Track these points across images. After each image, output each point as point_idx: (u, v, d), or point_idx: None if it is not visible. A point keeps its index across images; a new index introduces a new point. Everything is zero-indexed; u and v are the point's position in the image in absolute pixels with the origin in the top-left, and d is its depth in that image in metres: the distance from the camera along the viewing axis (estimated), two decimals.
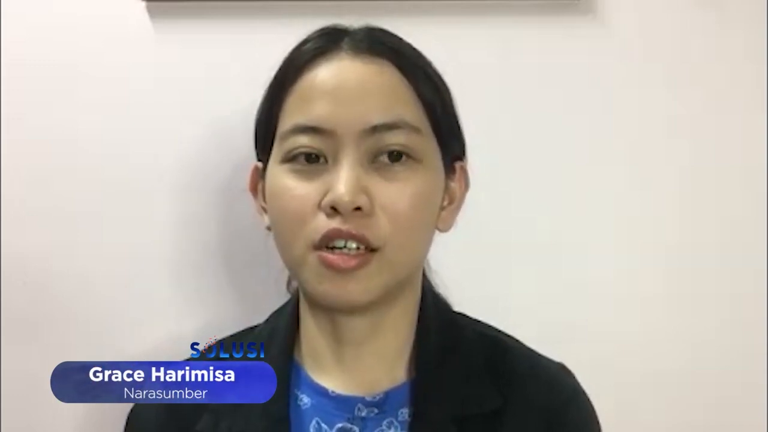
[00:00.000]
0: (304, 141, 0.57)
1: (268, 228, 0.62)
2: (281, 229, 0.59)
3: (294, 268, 0.60)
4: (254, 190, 0.65)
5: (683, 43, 0.87)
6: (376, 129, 0.57)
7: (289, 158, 0.58)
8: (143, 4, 0.85)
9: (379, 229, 0.56)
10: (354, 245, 0.56)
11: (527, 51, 0.87)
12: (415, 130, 0.58)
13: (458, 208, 0.65)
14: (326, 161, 0.57)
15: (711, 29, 0.87)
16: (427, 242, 0.62)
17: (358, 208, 0.55)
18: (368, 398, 0.62)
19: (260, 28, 0.85)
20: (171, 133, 0.86)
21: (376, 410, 0.61)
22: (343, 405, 0.61)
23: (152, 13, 0.85)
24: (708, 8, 0.86)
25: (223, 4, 0.85)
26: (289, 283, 0.72)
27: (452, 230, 0.65)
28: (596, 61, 0.87)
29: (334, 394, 0.62)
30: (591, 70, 0.87)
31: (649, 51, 0.87)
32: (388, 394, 0.62)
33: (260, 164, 0.64)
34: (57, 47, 0.85)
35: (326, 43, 0.60)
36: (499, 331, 0.68)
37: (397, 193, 0.57)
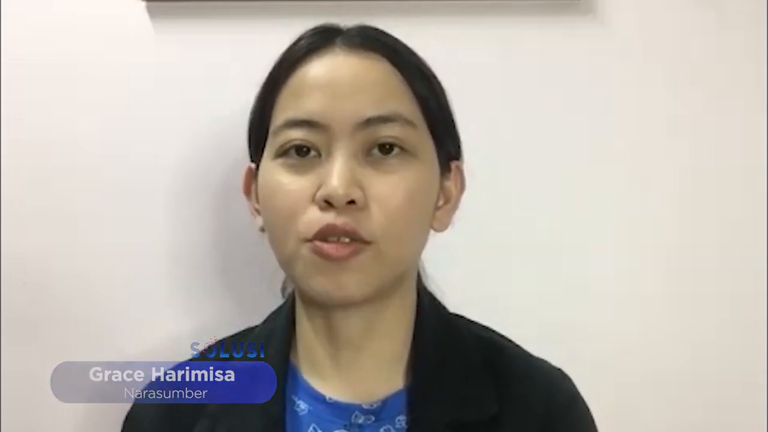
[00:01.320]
0: (296, 135, 0.57)
1: (262, 229, 0.62)
2: (274, 224, 0.58)
3: (287, 264, 0.59)
4: (248, 191, 0.65)
5: (683, 43, 0.87)
6: (369, 122, 0.56)
7: (282, 152, 0.58)
8: (143, 4, 0.85)
9: (372, 223, 0.55)
10: (347, 240, 0.55)
11: (527, 51, 0.86)
12: (410, 123, 0.58)
13: (454, 208, 0.64)
14: (319, 155, 0.57)
15: (711, 29, 0.87)
16: (422, 239, 0.61)
17: (351, 202, 0.55)
18: (365, 406, 0.61)
19: (260, 28, 0.84)
20: (171, 133, 0.86)
21: (373, 418, 0.60)
22: (340, 412, 0.61)
23: (152, 13, 0.85)
24: (708, 8, 0.86)
25: (223, 4, 0.85)
26: (284, 289, 0.71)
27: (452, 230, 0.64)
28: (596, 61, 0.87)
29: (331, 401, 0.61)
30: (591, 70, 0.87)
31: (649, 51, 0.87)
32: (385, 402, 0.61)
33: (253, 165, 0.63)
34: (57, 47, 0.85)
35: (320, 40, 0.60)
36: (494, 331, 0.68)
37: (391, 187, 0.56)
